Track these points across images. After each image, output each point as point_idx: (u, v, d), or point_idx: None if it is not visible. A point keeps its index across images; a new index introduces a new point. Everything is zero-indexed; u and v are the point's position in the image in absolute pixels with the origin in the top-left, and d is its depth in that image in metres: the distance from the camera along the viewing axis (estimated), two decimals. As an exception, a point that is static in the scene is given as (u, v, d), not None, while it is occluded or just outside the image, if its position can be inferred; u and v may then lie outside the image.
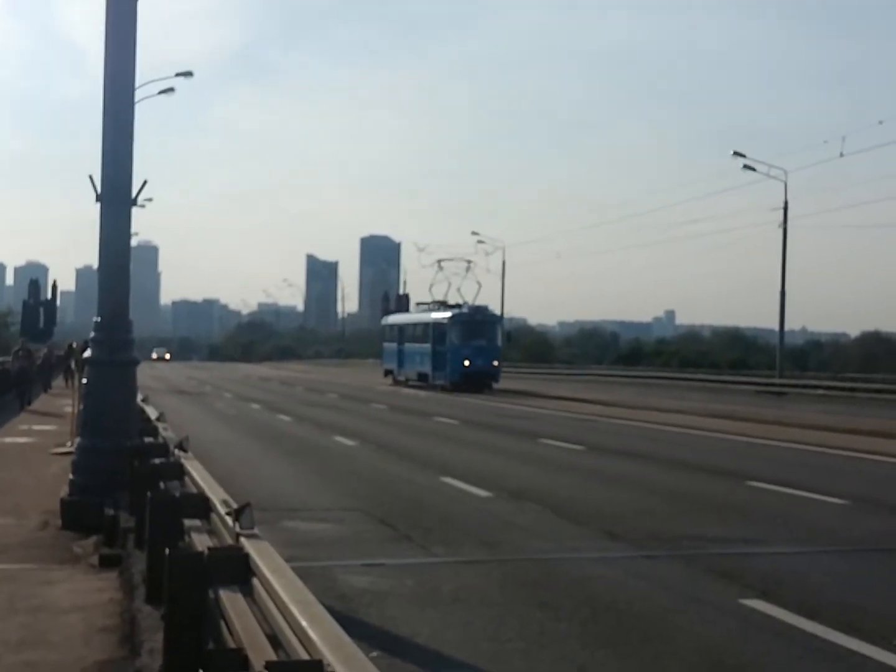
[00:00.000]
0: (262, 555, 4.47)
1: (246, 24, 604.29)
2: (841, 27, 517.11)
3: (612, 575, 8.97)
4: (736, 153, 51.67)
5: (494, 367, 48.28)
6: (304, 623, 3.41)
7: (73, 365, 28.24)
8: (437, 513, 12.12)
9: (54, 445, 18.23)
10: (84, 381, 12.52)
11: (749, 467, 17.45)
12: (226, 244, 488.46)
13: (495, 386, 47.77)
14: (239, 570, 4.66)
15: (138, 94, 15.65)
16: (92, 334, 11.61)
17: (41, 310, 38.26)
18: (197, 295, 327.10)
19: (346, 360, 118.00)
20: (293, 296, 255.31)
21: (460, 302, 53.93)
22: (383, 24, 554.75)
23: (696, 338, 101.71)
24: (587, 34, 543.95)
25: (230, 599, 4.67)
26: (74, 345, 35.88)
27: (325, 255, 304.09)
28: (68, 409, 20.70)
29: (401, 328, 56.40)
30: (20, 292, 75.72)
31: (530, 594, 8.20)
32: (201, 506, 6.47)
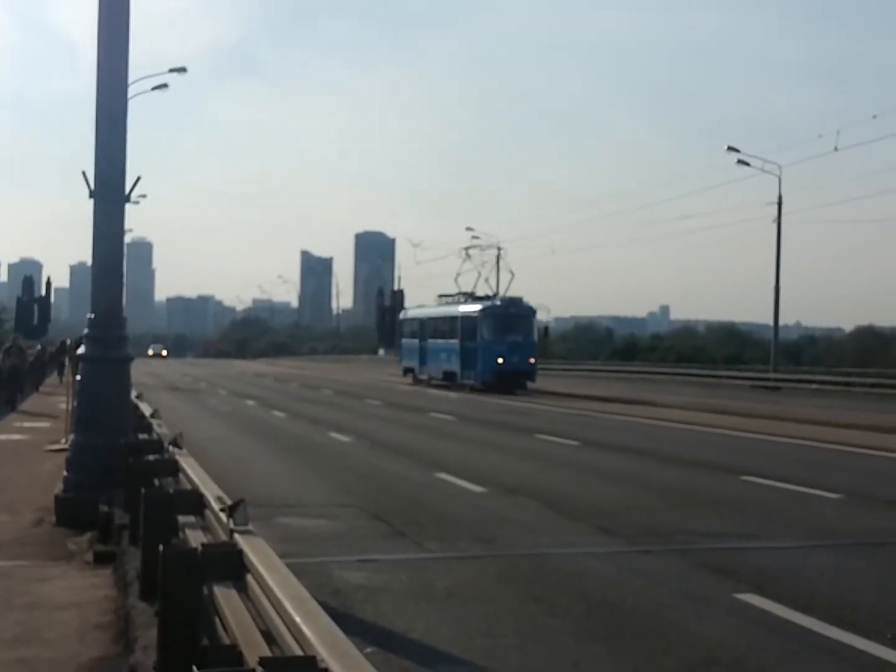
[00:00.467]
0: (257, 551, 4.48)
1: (240, 20, 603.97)
2: (837, 22, 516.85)
3: (607, 570, 9.01)
4: (730, 148, 51.75)
5: (531, 364, 43.56)
6: (298, 619, 3.42)
7: (66, 361, 28.14)
8: (431, 509, 12.14)
9: (48, 442, 18.22)
10: (78, 377, 12.52)
11: (744, 462, 17.50)
12: (220, 241, 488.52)
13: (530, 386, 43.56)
14: (233, 567, 4.66)
15: (131, 91, 15.69)
16: (86, 331, 11.62)
17: (35, 306, 38.32)
18: (191, 292, 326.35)
19: (342, 356, 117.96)
20: (288, 292, 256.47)
21: (489, 293, 50.06)
22: (379, 20, 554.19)
23: (691, 333, 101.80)
24: (584, 29, 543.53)
25: (224, 596, 4.67)
26: (68, 341, 35.68)
27: (319, 251, 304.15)
28: (62, 406, 20.71)
29: (423, 322, 51.02)
30: (14, 289, 75.36)
31: (525, 589, 8.21)
32: (195, 502, 6.48)
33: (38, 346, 39.45)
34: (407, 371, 53.34)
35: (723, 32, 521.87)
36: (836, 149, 47.60)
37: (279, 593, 3.79)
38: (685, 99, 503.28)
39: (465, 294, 49.75)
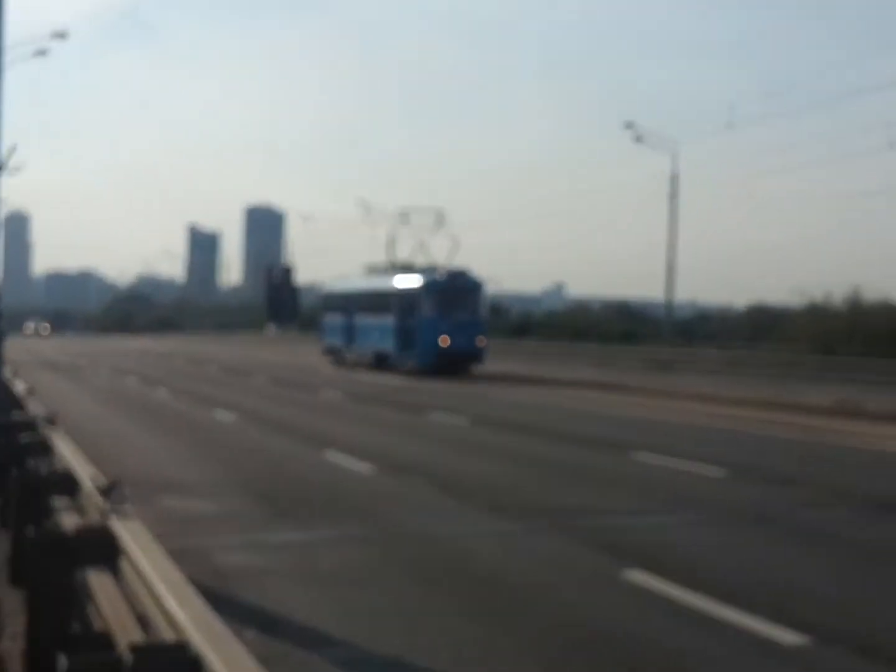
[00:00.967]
0: (132, 534, 4.41)
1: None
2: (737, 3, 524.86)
3: (492, 549, 9.05)
4: (627, 125, 52.36)
5: (478, 346, 38.08)
6: (171, 604, 3.38)
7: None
8: (317, 487, 12.09)
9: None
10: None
11: (632, 438, 17.78)
12: (104, 214, 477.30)
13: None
14: (107, 550, 4.58)
15: (8, 56, 15.26)
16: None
17: None
18: (73, 267, 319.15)
19: (228, 331, 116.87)
20: (174, 267, 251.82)
21: (427, 265, 42.75)
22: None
23: (586, 310, 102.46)
24: (482, 8, 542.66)
25: (98, 580, 4.61)
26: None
27: (207, 225, 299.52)
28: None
29: (350, 296, 44.94)
30: None
31: (411, 569, 8.25)
32: (69, 483, 6.34)
33: None
34: (329, 351, 47.70)
35: (626, 11, 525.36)
36: (728, 126, 48.55)
37: (153, 577, 3.74)
38: (585, 76, 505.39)
39: (400, 265, 43.97)
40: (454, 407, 24.12)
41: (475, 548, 9.09)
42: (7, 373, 13.72)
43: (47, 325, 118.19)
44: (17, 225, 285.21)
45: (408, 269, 42.51)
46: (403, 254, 46.73)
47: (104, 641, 3.93)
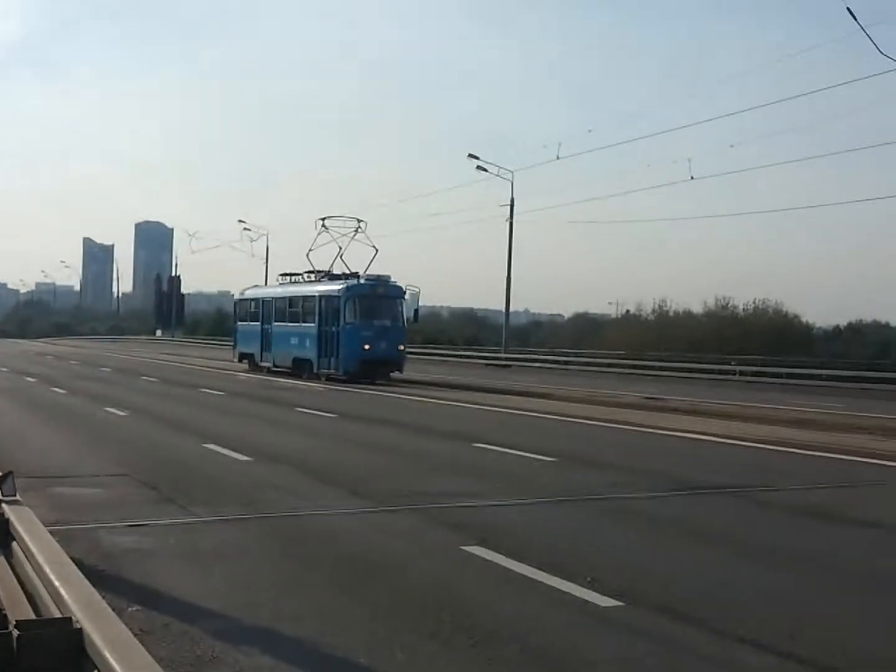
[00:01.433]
0: (22, 520, 4.29)
1: (27, 19, 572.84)
2: (569, 49, 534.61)
3: (356, 528, 9.04)
4: (471, 155, 52.90)
5: (400, 352, 34.49)
6: (56, 583, 3.31)
7: None
8: (199, 476, 11.88)
9: None
10: None
11: (476, 431, 17.91)
12: (4, 227, 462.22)
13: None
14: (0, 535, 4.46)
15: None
16: None
17: None
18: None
19: (121, 336, 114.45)
20: (70, 276, 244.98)
21: (347, 271, 37.71)
22: (163, 21, 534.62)
23: (437, 317, 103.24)
24: (361, 46, 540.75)
25: (-9, 562, 4.46)
26: None
27: (101, 238, 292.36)
28: None
29: (266, 303, 40.52)
30: None
31: (283, 548, 8.18)
32: (-38, 475, 6.13)
33: None
34: (244, 357, 42.80)
35: (479, 58, 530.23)
36: (557, 157, 49.40)
37: (41, 559, 3.64)
38: (451, 112, 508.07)
39: (318, 272, 39.02)
40: (322, 405, 24.01)
41: (340, 527, 9.08)
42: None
43: None
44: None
45: (327, 276, 38.13)
46: (319, 262, 41.70)
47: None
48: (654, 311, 70.32)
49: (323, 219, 39.74)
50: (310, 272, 39.14)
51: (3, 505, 4.63)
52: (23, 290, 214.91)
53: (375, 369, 33.01)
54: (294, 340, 36.53)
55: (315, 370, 34.44)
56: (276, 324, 38.43)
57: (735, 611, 6.43)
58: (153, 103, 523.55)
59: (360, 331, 33.06)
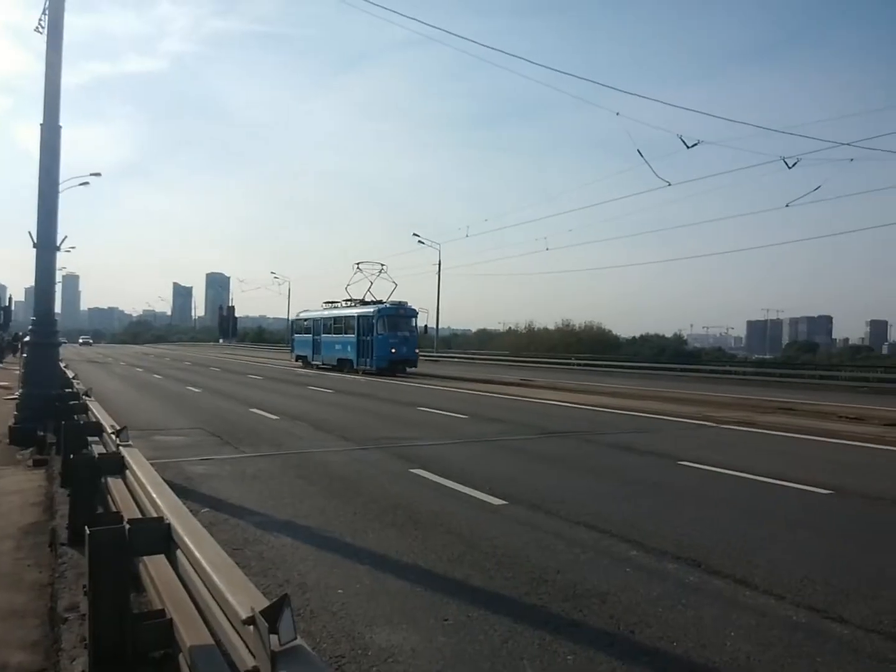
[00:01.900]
0: (132, 456, 4.21)
1: (138, 146, 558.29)
2: (468, 168, 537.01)
3: (343, 460, 8.95)
4: (415, 234, 52.98)
5: (415, 354, 31.90)
6: (154, 495, 3.25)
7: (20, 345, 25.37)
8: (246, 429, 11.65)
9: (6, 394, 16.24)
10: (25, 355, 11.24)
11: (421, 400, 17.87)
12: (124, 274, 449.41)
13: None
14: (118, 466, 4.36)
15: (64, 185, 14.21)
16: (30, 327, 10.46)
17: (2, 312, 34.39)
18: (104, 303, 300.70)
19: (196, 343, 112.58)
20: (164, 306, 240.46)
21: (373, 299, 34.86)
22: (227, 150, 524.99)
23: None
24: (355, 168, 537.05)
25: (113, 483, 4.35)
26: (20, 333, 32.32)
27: (184, 282, 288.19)
28: (16, 373, 18.47)
29: (316, 321, 36.84)
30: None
31: (297, 472, 8.06)
32: (97, 429, 5.98)
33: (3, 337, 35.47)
34: (299, 358, 38.88)
35: (415, 168, 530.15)
36: (467, 235, 49.83)
37: (144, 480, 3.58)
38: (392, 206, 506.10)
39: (352, 300, 35.92)
40: (322, 384, 23.72)
41: (333, 459, 8.97)
42: (62, 365, 12.76)
43: (90, 339, 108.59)
44: (72, 281, 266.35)
45: (360, 302, 34.91)
46: (336, 294, 41.63)
47: (116, 518, 3.71)
48: (525, 327, 72.15)
49: (357, 263, 36.44)
50: (347, 300, 36.23)
51: (121, 448, 4.54)
52: (134, 314, 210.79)
53: (399, 366, 30.82)
54: (338, 346, 33.81)
55: (355, 366, 31.76)
56: (324, 335, 35.67)
57: (574, 505, 6.51)
58: (218, 197, 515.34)
59: (389, 339, 30.54)
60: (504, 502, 6.53)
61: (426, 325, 33.24)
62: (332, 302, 37.73)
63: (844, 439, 11.53)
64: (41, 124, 10.09)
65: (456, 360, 49.85)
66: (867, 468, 8.99)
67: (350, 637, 3.65)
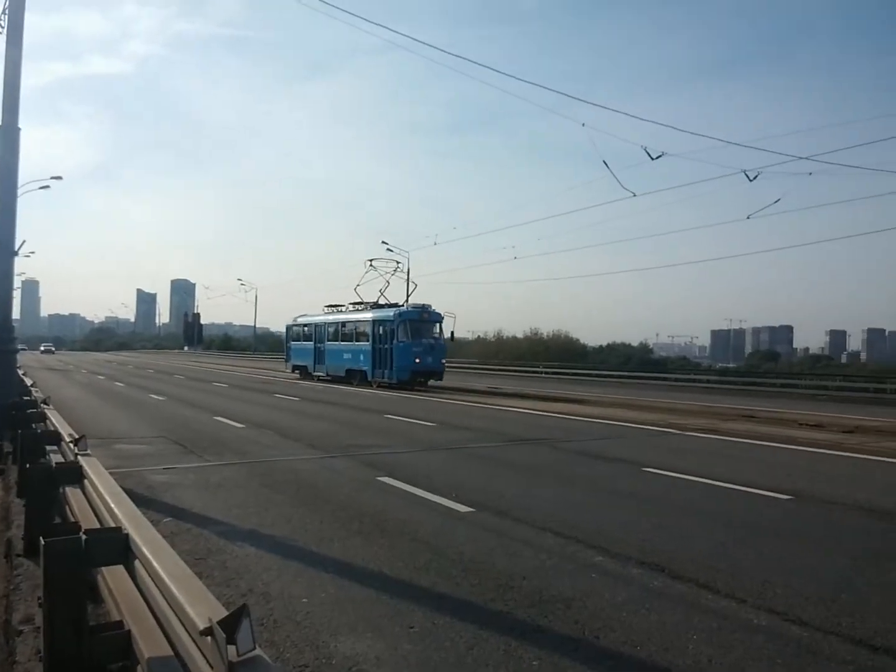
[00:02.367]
0: (91, 465, 4.11)
1: (100, 148, 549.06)
2: (440, 178, 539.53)
3: (310, 468, 8.87)
4: (383, 242, 52.64)
5: (442, 364, 27.32)
6: (112, 504, 3.18)
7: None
8: (210, 437, 11.49)
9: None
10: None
11: (386, 408, 17.81)
12: (86, 280, 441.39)
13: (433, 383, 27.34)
14: (76, 475, 4.25)
15: (23, 189, 13.93)
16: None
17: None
18: (65, 310, 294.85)
19: (161, 350, 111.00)
20: (127, 312, 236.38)
21: (385, 302, 30.37)
22: (196, 150, 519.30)
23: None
24: (308, 173, 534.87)
25: (71, 492, 4.27)
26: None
27: (149, 288, 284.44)
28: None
29: (319, 327, 32.06)
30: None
31: (262, 481, 7.96)
32: (55, 438, 5.86)
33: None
34: (297, 368, 34.00)
35: (383, 180, 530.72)
36: (435, 243, 49.75)
37: (101, 489, 3.50)
38: (368, 212, 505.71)
39: (361, 303, 31.15)
40: (289, 392, 23.50)
41: (300, 467, 8.89)
42: (21, 372, 12.46)
43: (52, 346, 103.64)
44: (31, 287, 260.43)
45: (374, 305, 30.26)
46: (338, 299, 38.98)
47: (73, 527, 3.62)
48: (494, 335, 71.84)
49: (370, 260, 31.55)
50: (355, 303, 31.24)
51: (79, 457, 4.44)
52: (96, 321, 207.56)
53: (423, 377, 26.60)
54: (348, 355, 29.13)
55: (369, 378, 27.40)
56: (328, 343, 30.87)
57: (541, 512, 6.53)
58: (184, 202, 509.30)
59: (412, 347, 26.11)
60: (471, 510, 6.53)
61: (452, 333, 27.78)
62: (336, 305, 32.97)
63: (804, 446, 11.77)
64: (-1, 126, 9.87)
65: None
66: (826, 474, 9.19)
67: (314, 646, 3.61)
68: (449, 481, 7.93)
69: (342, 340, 29.94)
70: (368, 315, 28.71)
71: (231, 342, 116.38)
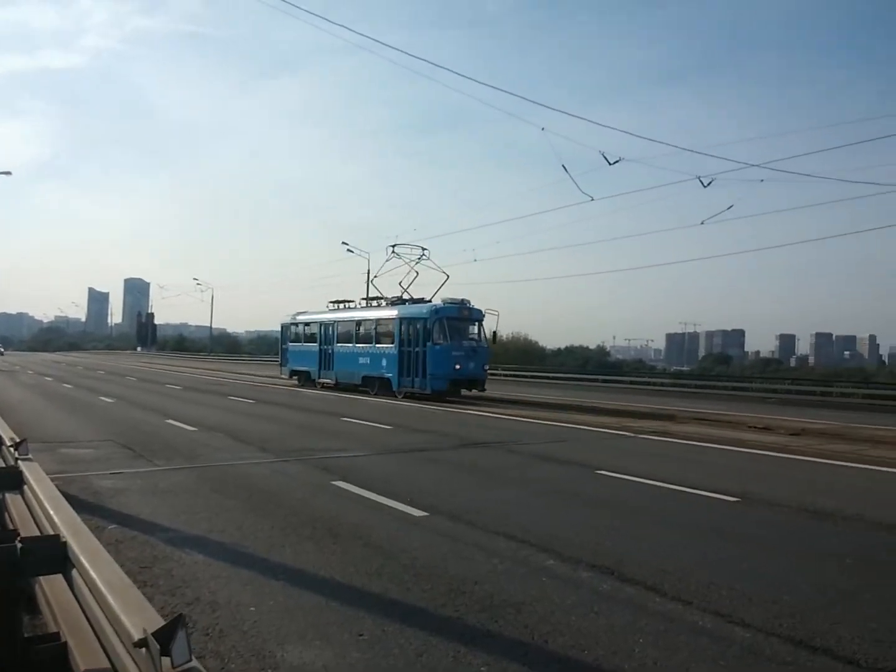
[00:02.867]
0: (31, 470, 3.97)
1: (52, 144, 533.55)
2: (404, 178, 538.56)
3: (262, 472, 8.76)
4: (344, 242, 52.34)
5: (485, 371, 23.20)
6: (51, 511, 3.08)
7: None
8: (161, 441, 11.27)
9: None
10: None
11: (341, 411, 17.68)
12: (37, 280, 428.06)
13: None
14: (16, 481, 4.10)
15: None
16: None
17: None
18: (12, 308, 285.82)
19: (113, 351, 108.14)
20: (78, 312, 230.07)
21: (405, 297, 25.35)
22: (152, 148, 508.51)
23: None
24: (279, 174, 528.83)
25: (11, 499, 4.10)
26: None
27: (101, 287, 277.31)
28: None
29: (326, 326, 27.26)
30: None
31: (213, 485, 7.83)
32: (-5, 442, 5.62)
33: None
34: (295, 374, 29.24)
35: (347, 179, 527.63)
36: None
37: (41, 495, 3.39)
38: (327, 212, 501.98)
39: (379, 297, 26.54)
40: (243, 394, 23.15)
41: (252, 472, 8.77)
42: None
43: (1, 347, 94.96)
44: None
45: (396, 301, 25.36)
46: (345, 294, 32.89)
47: (10, 537, 3.50)
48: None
49: (393, 246, 26.41)
50: (370, 298, 27.02)
51: (19, 461, 4.30)
52: (45, 320, 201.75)
53: (463, 387, 22.48)
54: (365, 360, 24.59)
55: (395, 388, 22.97)
56: (339, 345, 26.29)
57: (495, 516, 6.55)
58: (141, 200, 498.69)
59: (452, 351, 21.96)
60: (425, 514, 6.52)
61: (495, 333, 23.68)
62: (342, 301, 28.39)
63: (753, 448, 12.07)
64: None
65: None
66: (772, 476, 9.43)
67: (260, 656, 3.56)
68: (404, 485, 7.89)
69: (358, 342, 25.36)
70: (392, 312, 24.03)
71: (186, 343, 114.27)
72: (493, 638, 3.82)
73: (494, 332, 23.48)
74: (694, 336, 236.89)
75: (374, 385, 24.15)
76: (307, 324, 29.03)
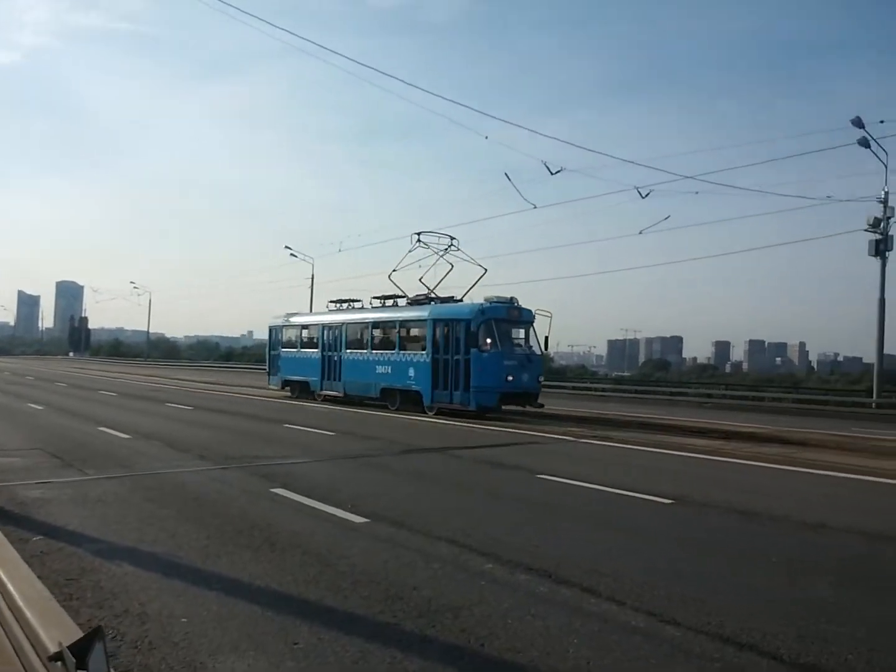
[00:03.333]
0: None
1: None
2: (349, 185, 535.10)
3: (199, 480, 8.56)
4: (287, 247, 51.83)
5: (539, 383, 19.10)
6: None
7: None
8: (93, 449, 10.90)
9: None
10: None
11: (286, 418, 17.44)
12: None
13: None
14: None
15: None
16: None
17: None
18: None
19: (43, 356, 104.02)
20: (6, 316, 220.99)
21: (434, 296, 21.17)
22: (86, 144, 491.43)
23: (262, 346, 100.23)
24: (211, 175, 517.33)
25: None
26: None
27: (31, 290, 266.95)
28: None
29: (330, 329, 23.36)
30: None
31: (147, 495, 7.60)
32: None
33: None
34: (288, 384, 25.32)
35: (291, 184, 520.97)
36: (339, 250, 49.27)
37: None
38: (269, 217, 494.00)
39: (398, 296, 22.26)
40: (182, 400, 22.59)
41: (188, 480, 8.56)
42: None
43: None
44: None
45: (423, 299, 21.34)
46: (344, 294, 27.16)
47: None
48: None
49: (418, 233, 22.20)
50: (385, 297, 22.72)
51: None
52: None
53: (515, 402, 18.72)
54: (383, 369, 20.76)
55: (428, 403, 19.21)
56: (348, 351, 22.53)
57: (437, 521, 6.55)
58: (75, 201, 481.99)
59: (502, 359, 18.13)
60: (366, 520, 6.47)
61: (547, 339, 19.17)
62: (346, 301, 24.31)
63: (688, 451, 12.42)
64: None
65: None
66: (706, 478, 9.72)
67: (191, 668, 3.47)
68: (345, 492, 7.83)
69: (375, 348, 21.46)
70: (422, 312, 20.20)
71: (122, 348, 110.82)
72: (429, 643, 3.82)
73: (546, 338, 19.15)
74: (634, 342, 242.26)
75: (394, 398, 20.45)
76: (305, 326, 25.00)
